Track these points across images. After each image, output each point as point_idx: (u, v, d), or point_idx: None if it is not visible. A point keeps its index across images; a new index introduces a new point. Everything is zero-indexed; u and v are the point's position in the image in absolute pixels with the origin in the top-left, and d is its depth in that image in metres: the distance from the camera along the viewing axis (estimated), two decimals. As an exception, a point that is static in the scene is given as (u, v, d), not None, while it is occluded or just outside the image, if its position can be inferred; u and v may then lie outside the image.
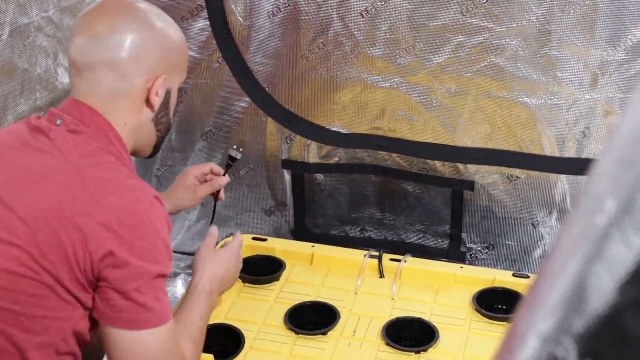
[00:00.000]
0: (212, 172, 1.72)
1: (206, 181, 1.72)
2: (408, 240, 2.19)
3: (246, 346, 1.63)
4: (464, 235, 2.14)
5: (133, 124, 1.35)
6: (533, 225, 2.08)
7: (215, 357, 1.56)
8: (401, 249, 2.09)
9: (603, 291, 0.48)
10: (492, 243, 2.13)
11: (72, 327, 1.27)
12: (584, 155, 1.95)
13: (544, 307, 0.50)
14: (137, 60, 1.32)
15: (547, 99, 1.91)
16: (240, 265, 1.64)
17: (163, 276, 1.28)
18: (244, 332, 1.66)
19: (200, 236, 2.20)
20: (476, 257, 2.15)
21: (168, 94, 1.39)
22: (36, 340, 1.24)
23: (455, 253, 2.16)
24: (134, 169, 1.38)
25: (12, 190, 1.26)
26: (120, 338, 1.25)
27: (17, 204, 1.24)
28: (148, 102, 1.35)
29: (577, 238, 0.50)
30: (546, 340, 0.49)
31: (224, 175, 1.73)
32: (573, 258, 0.49)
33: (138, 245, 1.23)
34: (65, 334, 1.27)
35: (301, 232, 2.23)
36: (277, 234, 2.24)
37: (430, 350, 1.63)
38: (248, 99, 2.11)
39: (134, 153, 1.42)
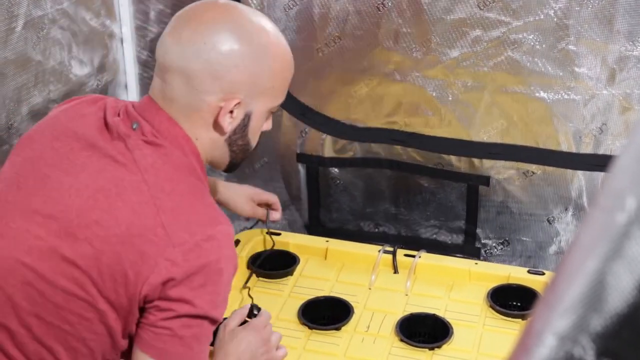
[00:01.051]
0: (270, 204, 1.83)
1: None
2: (422, 236, 2.18)
3: (259, 340, 1.62)
4: (478, 230, 2.12)
5: (205, 140, 1.30)
6: (548, 221, 2.06)
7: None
8: (415, 244, 2.07)
9: (622, 290, 0.47)
10: (507, 239, 2.12)
11: (114, 349, 1.26)
12: (601, 151, 1.93)
13: (561, 305, 0.49)
14: (213, 77, 1.25)
15: (563, 94, 1.88)
16: (270, 352, 1.46)
17: (214, 321, 1.25)
18: (257, 326, 1.65)
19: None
20: (491, 253, 2.14)
21: (247, 117, 1.30)
22: None
23: (469, 248, 2.14)
24: (207, 185, 1.34)
25: (81, 203, 1.22)
26: None
27: (84, 222, 1.20)
28: (216, 122, 1.28)
29: (596, 235, 0.49)
30: (563, 338, 0.49)
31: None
32: (592, 255, 0.48)
33: (199, 286, 1.20)
34: (107, 356, 1.26)
35: (315, 227, 2.22)
36: (291, 228, 2.23)
37: (444, 347, 1.62)
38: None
39: (210, 164, 1.38)
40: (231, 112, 1.28)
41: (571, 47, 1.83)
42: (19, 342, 1.22)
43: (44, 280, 1.20)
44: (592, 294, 0.48)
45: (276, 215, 1.84)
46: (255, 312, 1.49)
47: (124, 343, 1.26)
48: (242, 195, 1.80)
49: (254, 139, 1.37)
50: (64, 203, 1.23)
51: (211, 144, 1.31)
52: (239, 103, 1.28)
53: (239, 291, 1.77)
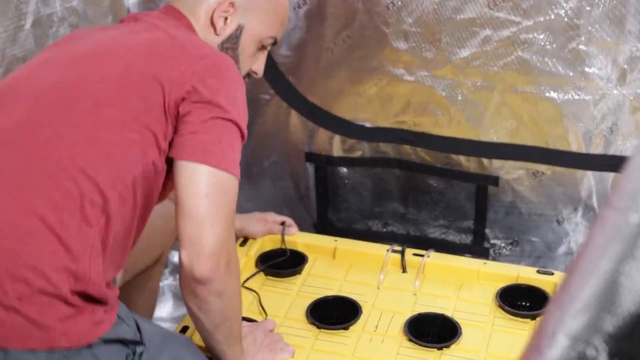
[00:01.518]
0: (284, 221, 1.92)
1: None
2: (431, 235, 2.18)
3: (267, 339, 1.62)
4: (487, 230, 2.12)
5: (203, 37, 1.44)
6: (558, 221, 2.05)
7: (236, 350, 1.56)
8: (424, 243, 2.07)
9: (635, 290, 0.47)
10: (516, 239, 2.11)
11: (143, 166, 1.28)
12: (611, 152, 1.92)
13: (574, 306, 0.49)
14: None
15: (574, 94, 1.88)
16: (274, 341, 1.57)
17: (238, 127, 1.31)
18: (265, 324, 1.65)
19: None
20: (499, 253, 2.13)
21: (240, 29, 1.46)
22: (108, 168, 1.25)
23: (478, 249, 2.14)
24: None
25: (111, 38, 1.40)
26: (184, 169, 1.27)
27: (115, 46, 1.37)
28: (212, 21, 1.44)
29: (609, 236, 0.49)
30: (576, 339, 0.48)
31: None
32: (605, 256, 0.48)
33: (219, 89, 1.29)
34: (135, 173, 1.27)
35: (323, 226, 2.22)
36: (300, 227, 2.22)
37: (453, 347, 1.61)
38: (272, 91, 2.10)
39: None
40: (225, 18, 1.45)
41: (582, 47, 1.82)
42: None
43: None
44: (605, 295, 0.48)
45: (292, 229, 1.93)
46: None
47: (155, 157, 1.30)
48: (253, 218, 1.92)
49: (244, 61, 1.49)
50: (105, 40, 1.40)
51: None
52: (232, 5, 1.44)
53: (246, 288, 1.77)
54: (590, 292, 0.48)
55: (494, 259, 2.11)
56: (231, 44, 1.47)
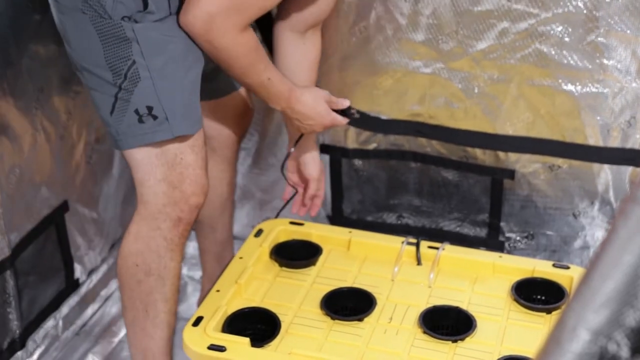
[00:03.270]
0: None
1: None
2: (445, 228, 2.16)
3: (282, 330, 1.63)
4: (502, 224, 2.11)
5: None
6: (574, 215, 2.04)
7: (251, 340, 1.56)
8: (438, 236, 2.07)
9: (659, 285, 0.47)
10: (532, 232, 2.10)
11: None
12: (629, 145, 1.90)
13: (595, 300, 0.49)
14: None
15: (592, 87, 1.86)
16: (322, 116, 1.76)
17: None
18: (279, 316, 1.66)
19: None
20: (514, 247, 2.12)
21: None
22: None
23: (493, 242, 2.12)
24: None
25: None
26: None
27: None
28: None
29: (633, 229, 0.48)
30: (597, 333, 0.48)
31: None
32: (629, 250, 0.47)
33: None
34: None
35: (338, 217, 2.22)
36: (314, 219, 2.22)
37: (467, 339, 1.61)
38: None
39: None
40: None
41: (600, 39, 1.81)
42: None
43: None
44: (628, 289, 0.48)
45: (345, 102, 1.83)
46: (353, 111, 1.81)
47: None
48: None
49: None
50: None
51: None
52: None
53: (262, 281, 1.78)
54: (613, 287, 0.48)
55: (509, 253, 2.10)
56: None
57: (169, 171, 1.60)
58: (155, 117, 1.54)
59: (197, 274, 2.26)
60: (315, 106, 1.72)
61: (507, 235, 2.12)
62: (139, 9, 1.49)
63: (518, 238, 2.11)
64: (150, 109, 1.54)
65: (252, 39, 1.57)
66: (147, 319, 1.70)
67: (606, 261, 0.50)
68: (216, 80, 1.81)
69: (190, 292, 2.26)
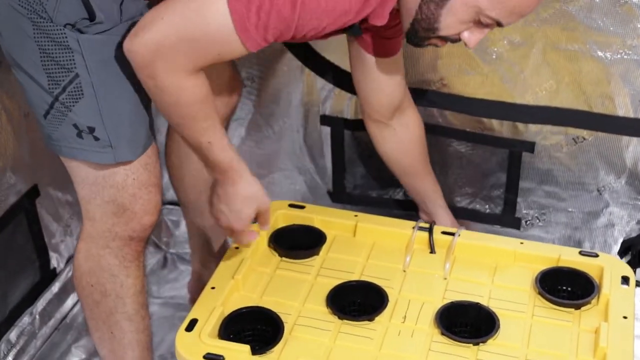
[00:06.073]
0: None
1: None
2: (458, 205, 2.03)
3: (285, 333, 1.47)
4: (519, 199, 1.96)
5: None
6: (598, 191, 1.90)
7: (251, 346, 1.41)
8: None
9: None
10: (551, 209, 1.95)
11: None
12: (662, 116, 1.76)
13: None
14: None
15: (623, 54, 1.72)
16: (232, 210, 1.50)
17: None
18: (282, 315, 1.50)
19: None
20: (532, 224, 1.98)
21: None
22: None
23: (509, 219, 1.99)
24: None
25: None
26: None
27: None
28: None
29: None
30: None
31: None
32: None
33: None
34: None
35: (339, 194, 2.07)
36: (313, 195, 2.07)
37: (490, 341, 1.46)
38: (283, 48, 1.92)
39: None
40: None
41: (635, 0, 1.64)
42: None
43: None
44: None
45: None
46: None
47: None
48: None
49: (445, 23, 1.31)
50: None
51: None
52: None
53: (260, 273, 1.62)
54: None
55: (525, 230, 1.96)
56: (434, 1, 1.29)
57: (119, 193, 1.43)
58: (96, 139, 1.36)
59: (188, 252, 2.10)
60: (242, 203, 1.48)
61: (525, 212, 1.98)
62: (84, 17, 1.29)
63: (536, 215, 1.98)
64: (92, 129, 1.35)
65: (202, 88, 1.34)
66: (114, 340, 1.57)
67: None
68: None
69: (183, 271, 2.15)
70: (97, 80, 1.32)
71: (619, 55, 1.72)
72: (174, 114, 1.35)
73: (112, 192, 1.42)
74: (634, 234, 1.91)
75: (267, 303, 1.54)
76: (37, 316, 1.83)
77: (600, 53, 1.73)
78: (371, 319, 1.51)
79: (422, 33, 1.35)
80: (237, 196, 1.46)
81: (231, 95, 1.75)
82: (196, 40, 1.26)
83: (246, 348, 1.41)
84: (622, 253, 1.92)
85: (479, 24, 1.32)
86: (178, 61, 1.27)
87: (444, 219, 1.82)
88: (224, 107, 1.74)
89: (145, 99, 1.39)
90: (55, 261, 1.89)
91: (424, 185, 1.83)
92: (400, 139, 1.75)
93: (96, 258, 1.49)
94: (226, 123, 1.81)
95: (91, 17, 1.28)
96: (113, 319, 1.54)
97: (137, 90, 1.37)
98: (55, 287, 1.89)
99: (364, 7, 1.29)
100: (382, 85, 1.63)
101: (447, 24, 1.31)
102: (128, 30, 1.31)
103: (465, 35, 1.34)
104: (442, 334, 1.48)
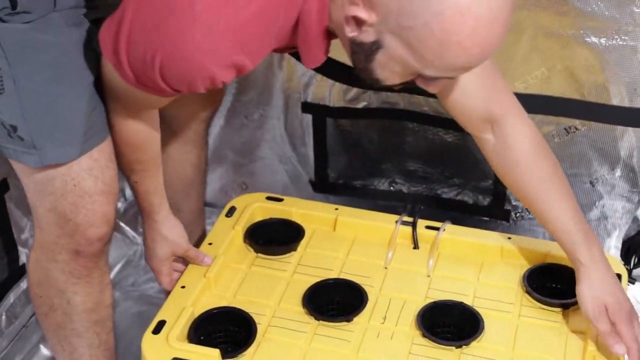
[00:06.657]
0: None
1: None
2: (444, 196, 1.97)
3: (258, 335, 1.40)
4: (508, 191, 1.89)
5: (335, 17, 1.14)
6: (591, 183, 1.85)
7: (221, 350, 1.34)
8: (436, 205, 1.86)
9: None
10: (542, 201, 1.89)
11: None
12: (658, 105, 1.70)
13: None
14: None
15: (619, 40, 1.65)
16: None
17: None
18: (255, 316, 1.43)
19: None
20: (522, 217, 1.93)
21: (376, 45, 1.09)
22: None
23: (497, 211, 1.94)
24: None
25: None
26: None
27: None
28: (347, 19, 1.10)
29: None
30: None
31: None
32: None
33: None
34: None
35: (321, 184, 2.01)
36: (294, 184, 2.01)
37: (474, 344, 1.39)
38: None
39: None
40: (358, 23, 1.09)
41: (632, -17, 1.57)
42: None
43: None
44: None
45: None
46: None
47: None
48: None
49: (382, 75, 1.14)
50: None
51: (339, 29, 1.15)
52: (365, 23, 1.09)
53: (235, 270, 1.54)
54: None
55: (515, 223, 1.90)
56: (363, 56, 1.13)
57: (58, 200, 1.32)
58: (21, 139, 1.26)
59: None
60: (156, 243, 1.51)
61: (514, 203, 1.92)
62: (5, 5, 1.18)
63: (526, 207, 1.89)
64: (14, 128, 1.25)
65: (139, 136, 1.32)
66: (64, 352, 1.50)
67: None
68: None
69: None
70: (19, 73, 1.21)
71: (614, 41, 1.66)
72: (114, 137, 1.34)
73: (51, 200, 1.31)
74: (632, 232, 1.86)
75: (240, 303, 1.47)
76: (4, 314, 1.77)
77: (594, 39, 1.67)
78: (349, 320, 1.44)
79: (373, 83, 1.18)
80: (154, 235, 1.50)
81: (212, 96, 1.66)
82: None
83: (215, 352, 1.34)
84: (624, 255, 1.87)
85: (416, 76, 1.14)
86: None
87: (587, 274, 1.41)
88: (204, 108, 1.67)
89: (80, 98, 1.27)
90: (24, 257, 1.82)
91: (547, 214, 1.46)
92: (501, 157, 1.44)
93: (44, 270, 1.41)
94: (204, 125, 1.73)
95: (13, 5, 1.18)
96: (62, 333, 1.47)
97: (75, 84, 1.26)
98: (24, 284, 1.81)
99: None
100: (456, 96, 1.39)
101: (385, 76, 1.15)
102: (65, 19, 1.22)
103: (420, 83, 1.16)
104: (424, 335, 1.41)
